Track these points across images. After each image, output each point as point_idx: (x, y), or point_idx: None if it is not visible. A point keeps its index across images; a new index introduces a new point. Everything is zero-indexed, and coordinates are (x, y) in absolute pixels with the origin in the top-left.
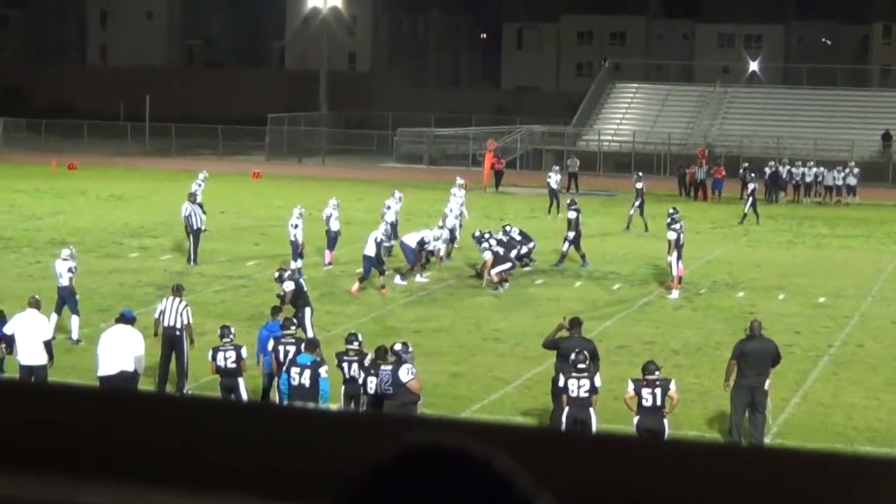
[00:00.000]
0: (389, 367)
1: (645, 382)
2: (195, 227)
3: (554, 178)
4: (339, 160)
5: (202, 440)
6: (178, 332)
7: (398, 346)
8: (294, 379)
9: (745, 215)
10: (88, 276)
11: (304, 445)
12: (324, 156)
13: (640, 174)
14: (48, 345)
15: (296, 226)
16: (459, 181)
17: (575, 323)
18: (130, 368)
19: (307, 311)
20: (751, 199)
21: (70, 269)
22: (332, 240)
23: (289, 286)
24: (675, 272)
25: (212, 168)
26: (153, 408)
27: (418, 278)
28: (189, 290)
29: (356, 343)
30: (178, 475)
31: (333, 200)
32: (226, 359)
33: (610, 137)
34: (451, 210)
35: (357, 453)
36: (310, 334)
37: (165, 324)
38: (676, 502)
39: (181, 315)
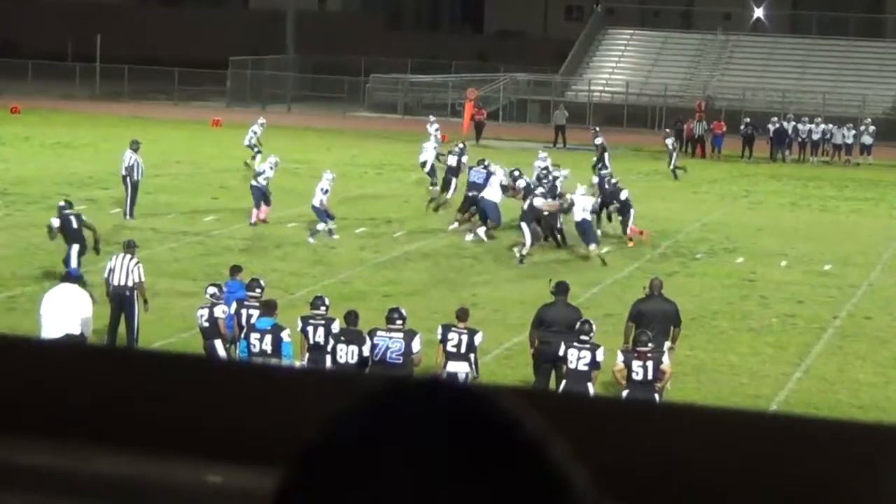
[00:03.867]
0: (401, 335)
1: (636, 354)
2: (136, 179)
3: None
4: (307, 108)
5: (153, 397)
6: (128, 293)
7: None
8: (254, 346)
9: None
10: (31, 230)
11: (266, 405)
12: (290, 103)
13: (598, 129)
14: None
15: (325, 191)
16: (433, 123)
17: (561, 288)
18: (77, 331)
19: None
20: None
21: None
22: (261, 197)
23: (55, 222)
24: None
25: (168, 115)
26: (103, 363)
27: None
28: (141, 247)
29: (322, 307)
30: (129, 436)
31: (273, 158)
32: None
33: (601, 88)
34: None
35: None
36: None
37: (115, 283)
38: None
39: (132, 273)
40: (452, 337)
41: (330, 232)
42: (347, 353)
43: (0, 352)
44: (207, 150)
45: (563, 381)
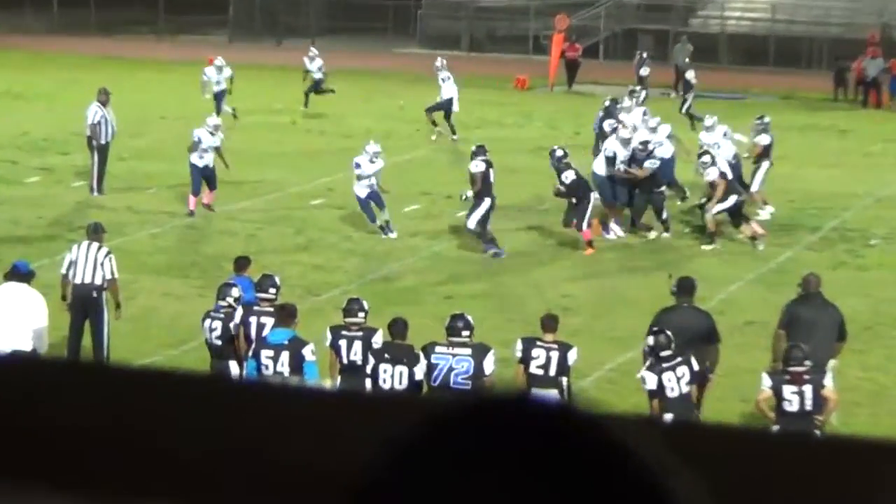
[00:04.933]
0: (468, 351)
1: (788, 377)
2: (104, 141)
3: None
4: (337, 43)
5: (137, 430)
6: (94, 294)
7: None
8: (266, 366)
9: None
10: None
11: (294, 437)
12: (313, 36)
13: (645, 55)
14: None
15: (368, 176)
16: (440, 62)
17: (684, 287)
18: (27, 346)
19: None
20: None
21: None
22: (202, 176)
23: None
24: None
25: (150, 53)
26: (68, 383)
27: (612, 230)
28: (113, 233)
29: (360, 314)
30: (99, 481)
31: (213, 120)
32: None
33: (738, 14)
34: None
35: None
36: None
37: (78, 280)
38: None
39: (101, 267)
40: (538, 354)
41: (384, 228)
42: (394, 376)
43: None
44: (203, 100)
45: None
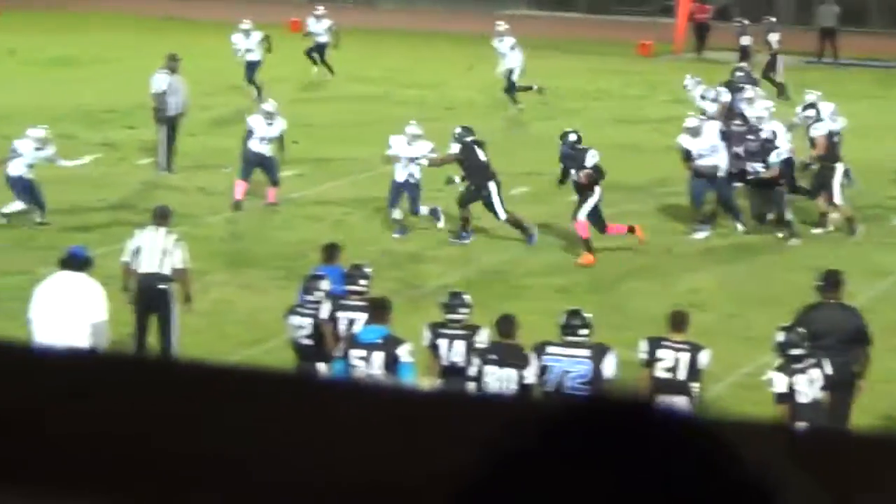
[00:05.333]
0: (586, 353)
1: None
2: (173, 113)
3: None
4: (437, 3)
5: (219, 433)
6: (162, 285)
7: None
8: (356, 367)
9: None
10: None
11: (392, 442)
12: None
13: (774, 19)
14: None
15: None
16: (500, 26)
17: (831, 281)
18: (84, 342)
19: None
20: None
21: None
22: (258, 166)
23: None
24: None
25: (221, 14)
26: (134, 381)
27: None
28: (182, 217)
29: (462, 310)
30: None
31: (269, 105)
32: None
33: None
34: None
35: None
36: None
37: (143, 270)
38: None
39: (170, 255)
40: (665, 356)
41: (433, 212)
42: (501, 379)
43: None
44: (282, 67)
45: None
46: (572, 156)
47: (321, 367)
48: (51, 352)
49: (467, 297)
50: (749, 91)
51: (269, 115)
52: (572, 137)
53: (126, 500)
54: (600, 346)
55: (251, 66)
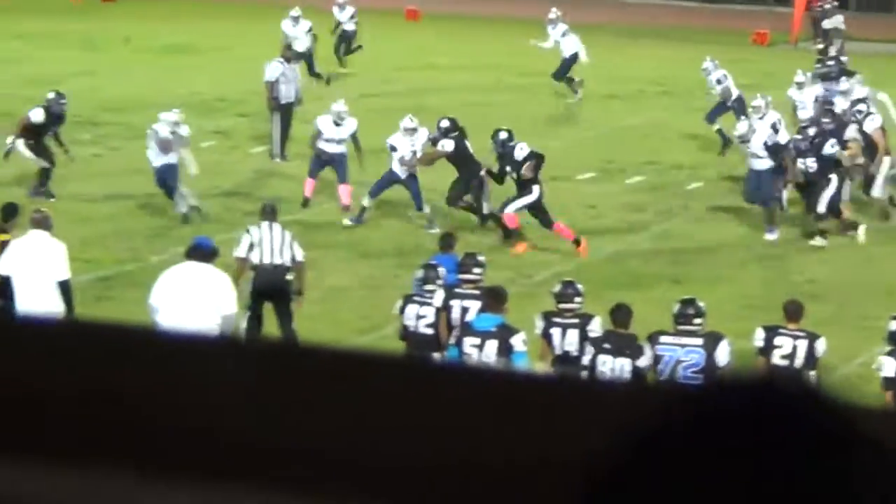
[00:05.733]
0: (699, 342)
1: None
2: (288, 101)
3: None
4: None
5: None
6: (286, 277)
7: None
8: (470, 354)
9: None
10: (135, 178)
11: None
12: None
13: (828, 4)
14: (65, 288)
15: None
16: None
17: None
18: (213, 332)
19: None
20: None
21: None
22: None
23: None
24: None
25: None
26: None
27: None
28: (297, 205)
29: (576, 300)
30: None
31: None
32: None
33: None
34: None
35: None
36: None
37: (266, 262)
38: None
39: (288, 248)
40: (781, 343)
41: (482, 215)
42: (614, 368)
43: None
44: (399, 55)
45: None
46: (503, 154)
47: (436, 355)
48: (182, 337)
49: (580, 286)
50: (844, 83)
51: (339, 116)
52: (503, 136)
53: (256, 489)
54: (714, 335)
55: (305, 57)
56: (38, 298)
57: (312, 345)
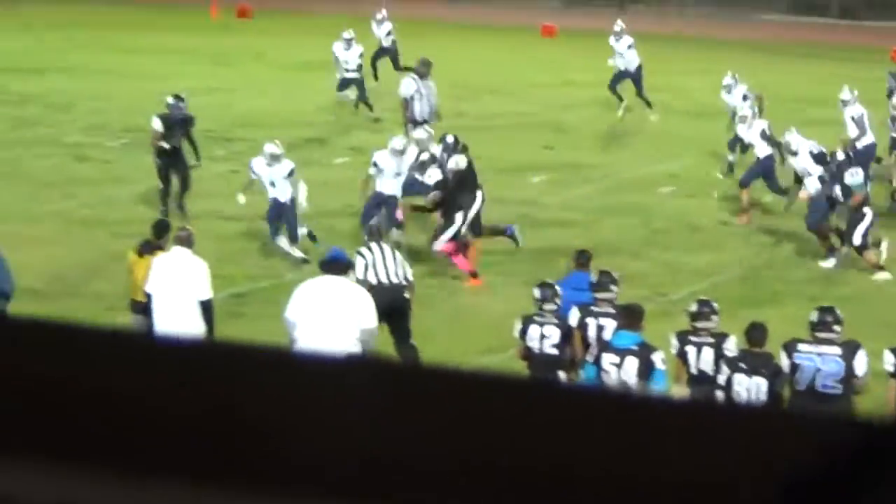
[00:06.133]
0: (837, 351)
1: None
2: (419, 118)
3: None
4: (691, 8)
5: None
6: (406, 294)
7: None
8: (608, 372)
9: None
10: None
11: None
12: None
13: None
14: (206, 307)
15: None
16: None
17: None
18: (354, 347)
19: None
20: None
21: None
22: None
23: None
24: None
25: (472, 18)
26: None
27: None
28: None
29: (713, 317)
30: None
31: (398, 141)
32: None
33: None
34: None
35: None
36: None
37: (385, 280)
38: None
39: (402, 267)
40: None
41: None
42: (751, 388)
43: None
44: (535, 72)
45: None
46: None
47: (562, 375)
48: (320, 358)
49: (715, 305)
50: None
51: (399, 153)
52: (449, 140)
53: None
54: (851, 343)
55: (355, 84)
56: (178, 317)
57: (448, 367)
